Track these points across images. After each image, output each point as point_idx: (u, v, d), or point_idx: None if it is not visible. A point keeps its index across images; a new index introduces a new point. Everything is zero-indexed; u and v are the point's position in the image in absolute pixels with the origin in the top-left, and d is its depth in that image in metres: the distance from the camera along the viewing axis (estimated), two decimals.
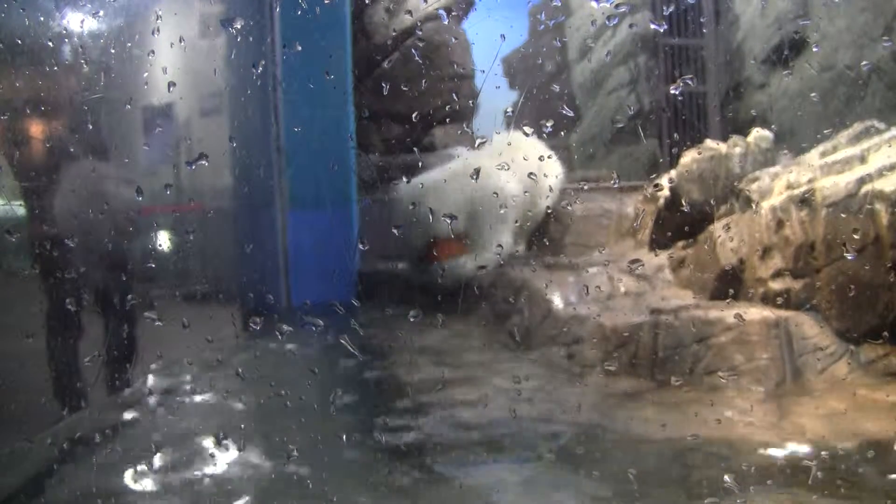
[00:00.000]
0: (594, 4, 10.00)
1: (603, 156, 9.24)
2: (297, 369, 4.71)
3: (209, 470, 3.26)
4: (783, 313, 4.30)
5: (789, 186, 4.74)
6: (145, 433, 3.82)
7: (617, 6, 8.21)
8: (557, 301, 5.24)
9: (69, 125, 4.14)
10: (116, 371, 4.21)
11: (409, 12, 9.22)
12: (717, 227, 5.24)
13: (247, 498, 3.01)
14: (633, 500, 2.87)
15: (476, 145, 7.76)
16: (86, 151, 4.15)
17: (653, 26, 8.39)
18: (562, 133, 8.90)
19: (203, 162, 3.90)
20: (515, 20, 9.30)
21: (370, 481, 3.15)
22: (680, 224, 5.59)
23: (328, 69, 6.46)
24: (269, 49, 6.90)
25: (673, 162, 6.28)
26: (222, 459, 3.34)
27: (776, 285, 4.61)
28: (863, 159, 4.50)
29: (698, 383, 4.15)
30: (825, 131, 5.17)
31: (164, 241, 5.01)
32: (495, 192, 6.11)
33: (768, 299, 4.60)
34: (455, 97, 8.70)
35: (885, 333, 4.04)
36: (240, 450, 3.40)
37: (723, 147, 5.58)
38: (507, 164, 5.88)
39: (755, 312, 4.31)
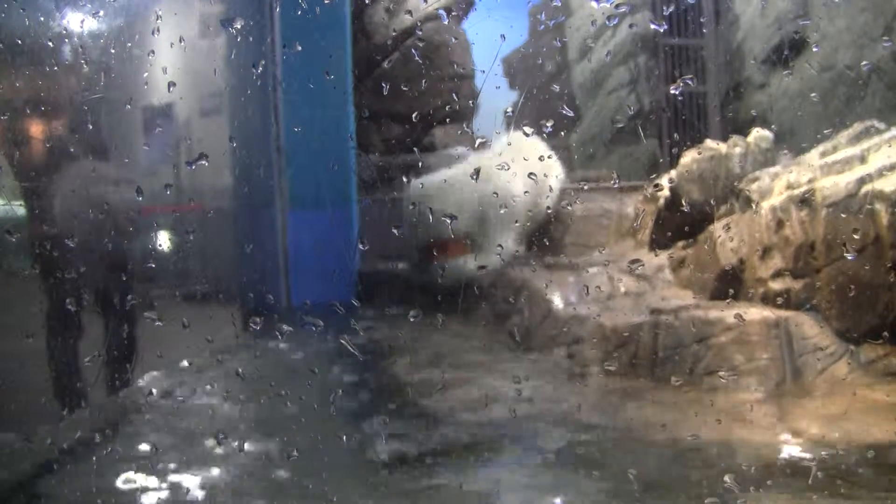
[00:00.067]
0: (594, 4, 9.99)
1: (603, 156, 9.24)
2: (296, 369, 4.71)
3: (209, 470, 3.26)
4: (783, 313, 4.30)
5: (789, 186, 4.74)
6: (145, 433, 3.82)
7: (617, 6, 8.20)
8: (557, 301, 5.24)
9: (69, 125, 4.15)
10: (116, 371, 4.21)
11: (409, 12, 9.22)
12: (717, 227, 5.24)
13: (247, 498, 3.01)
14: (633, 500, 2.86)
15: (476, 146, 7.76)
16: (86, 151, 4.15)
17: (653, 26, 8.39)
18: (562, 133, 8.89)
19: (203, 162, 3.90)
20: (515, 20, 9.29)
21: (370, 482, 3.15)
22: (680, 224, 5.59)
23: (328, 69, 6.45)
24: (269, 49, 6.90)
25: (673, 162, 6.28)
26: (222, 459, 3.34)
27: (776, 285, 4.61)
28: (863, 159, 4.50)
29: (698, 383, 4.15)
30: (825, 131, 5.17)
31: (164, 241, 5.01)
32: (495, 193, 6.11)
33: (768, 299, 4.60)
34: (455, 97, 8.70)
35: (885, 333, 4.04)
36: (239, 450, 3.40)
37: (723, 147, 5.58)
38: (507, 165, 5.88)
39: (755, 312, 4.31)
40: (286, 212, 7.14)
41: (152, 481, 3.16)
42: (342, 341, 4.23)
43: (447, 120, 8.76)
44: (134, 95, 4.44)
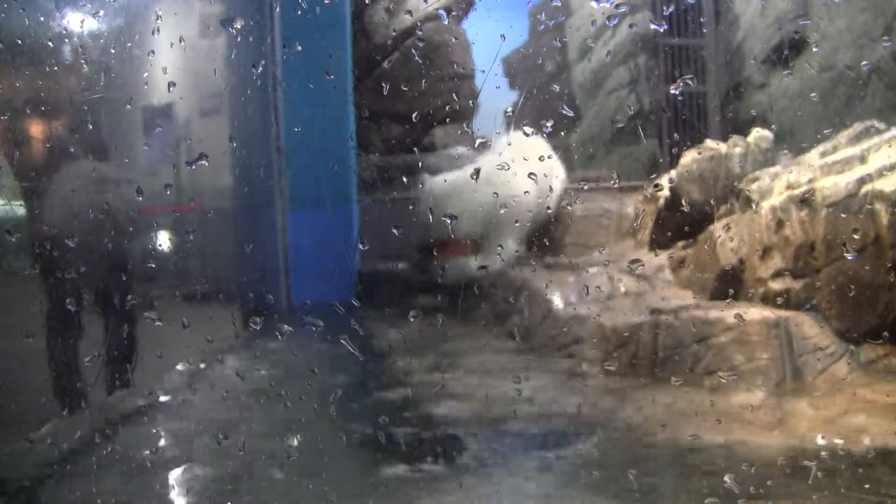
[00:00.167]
0: (594, 4, 9.99)
1: (603, 156, 9.24)
2: (296, 369, 4.70)
3: (209, 470, 3.26)
4: (783, 313, 4.30)
5: (789, 186, 4.74)
6: (145, 433, 3.82)
7: (617, 6, 8.20)
8: (557, 301, 5.24)
9: (69, 125, 4.15)
10: (116, 371, 4.21)
11: (409, 12, 9.22)
12: (717, 227, 5.24)
13: (247, 498, 3.01)
14: (633, 500, 2.87)
15: (476, 146, 7.76)
16: (86, 151, 4.15)
17: (653, 26, 8.39)
18: (562, 133, 8.89)
19: (203, 162, 3.90)
20: (515, 20, 9.30)
21: (370, 482, 3.15)
22: (680, 224, 5.59)
23: (328, 69, 6.45)
24: (269, 49, 6.90)
25: (673, 162, 6.28)
26: (222, 459, 3.34)
27: (776, 285, 4.61)
28: (863, 159, 4.51)
29: (698, 383, 4.15)
30: (825, 131, 5.17)
31: (164, 241, 5.01)
32: (495, 193, 6.11)
33: (768, 299, 4.60)
34: (455, 97, 8.70)
35: (885, 333, 4.04)
36: (239, 450, 3.40)
37: (723, 147, 5.58)
38: (507, 165, 5.87)
39: (755, 312, 4.31)
40: (286, 212, 7.14)
41: (152, 481, 3.16)
42: (342, 341, 4.23)
43: (447, 120, 8.76)
44: (134, 95, 4.44)
